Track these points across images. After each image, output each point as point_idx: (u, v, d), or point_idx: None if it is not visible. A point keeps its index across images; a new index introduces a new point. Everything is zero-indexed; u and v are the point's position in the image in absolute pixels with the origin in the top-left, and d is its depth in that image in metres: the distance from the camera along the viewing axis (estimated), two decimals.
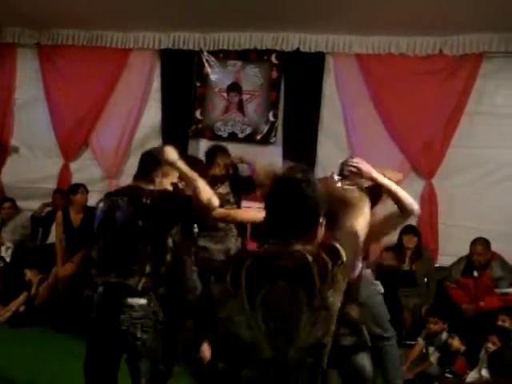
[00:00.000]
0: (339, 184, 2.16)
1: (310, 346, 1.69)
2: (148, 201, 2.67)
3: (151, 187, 2.79)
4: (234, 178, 4.36)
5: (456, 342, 4.17)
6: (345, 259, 1.70)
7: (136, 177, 2.87)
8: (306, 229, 1.78)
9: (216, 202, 2.65)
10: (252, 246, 4.82)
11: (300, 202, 1.77)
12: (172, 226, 2.89)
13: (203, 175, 3.08)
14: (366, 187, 3.42)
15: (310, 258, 1.68)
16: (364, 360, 2.75)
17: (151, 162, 2.83)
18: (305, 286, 1.67)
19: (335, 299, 1.70)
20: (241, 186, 4.35)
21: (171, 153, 2.71)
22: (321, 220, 1.82)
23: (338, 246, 1.74)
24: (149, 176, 2.81)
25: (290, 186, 1.80)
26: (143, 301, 2.68)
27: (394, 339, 3.66)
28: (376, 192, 3.42)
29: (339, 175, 2.54)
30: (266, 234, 1.82)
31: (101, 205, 2.84)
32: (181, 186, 3.24)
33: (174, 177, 2.87)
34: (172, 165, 2.71)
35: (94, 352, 2.78)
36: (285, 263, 1.71)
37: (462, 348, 4.15)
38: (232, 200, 4.12)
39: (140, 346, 2.67)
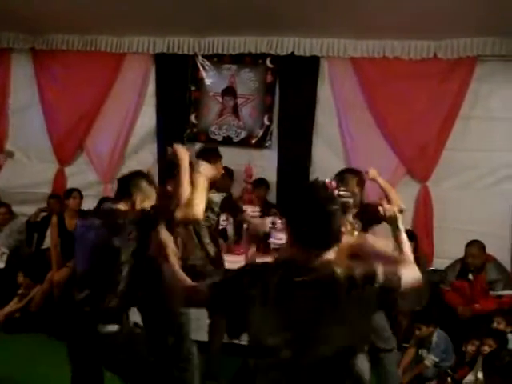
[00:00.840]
0: (336, 191, 2.22)
1: (330, 356, 1.71)
2: (123, 221, 2.64)
3: (128, 208, 2.77)
4: (228, 198, 4.13)
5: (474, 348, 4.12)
6: (380, 283, 1.73)
7: (116, 199, 2.84)
8: (340, 236, 1.82)
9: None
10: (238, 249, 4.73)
11: (339, 214, 1.81)
12: (147, 247, 2.75)
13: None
14: (367, 204, 3.51)
15: (338, 271, 1.71)
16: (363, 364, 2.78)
17: (130, 186, 2.81)
18: (329, 298, 1.69)
19: (359, 316, 1.73)
20: (230, 206, 4.16)
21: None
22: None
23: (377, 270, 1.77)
24: (129, 198, 2.78)
25: (329, 199, 1.84)
26: (115, 327, 2.67)
27: (394, 352, 3.65)
28: (375, 211, 3.50)
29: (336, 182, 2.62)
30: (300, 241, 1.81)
31: (79, 223, 2.84)
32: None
33: (153, 200, 2.85)
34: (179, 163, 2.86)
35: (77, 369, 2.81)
36: (314, 275, 1.73)
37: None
38: (216, 210, 3.79)
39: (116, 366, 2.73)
